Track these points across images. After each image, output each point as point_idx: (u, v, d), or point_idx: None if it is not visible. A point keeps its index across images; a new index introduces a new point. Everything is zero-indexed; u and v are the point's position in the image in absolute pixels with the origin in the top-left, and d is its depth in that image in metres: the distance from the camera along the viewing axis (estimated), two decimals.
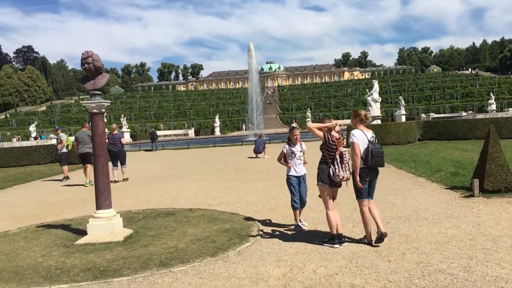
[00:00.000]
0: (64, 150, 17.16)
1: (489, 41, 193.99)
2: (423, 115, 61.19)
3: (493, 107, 55.08)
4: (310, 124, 6.60)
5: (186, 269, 5.58)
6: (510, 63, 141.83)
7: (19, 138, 51.00)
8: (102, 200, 7.29)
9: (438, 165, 14.23)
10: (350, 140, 6.53)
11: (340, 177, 6.26)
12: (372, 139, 6.48)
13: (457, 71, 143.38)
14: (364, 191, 6.48)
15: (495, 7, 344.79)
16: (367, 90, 31.11)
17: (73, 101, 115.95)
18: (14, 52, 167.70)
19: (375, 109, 29.22)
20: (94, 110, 7.32)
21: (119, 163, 15.75)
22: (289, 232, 7.28)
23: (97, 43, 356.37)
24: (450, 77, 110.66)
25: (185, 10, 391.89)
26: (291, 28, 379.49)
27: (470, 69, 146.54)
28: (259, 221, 8.08)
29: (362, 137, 6.48)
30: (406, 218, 7.83)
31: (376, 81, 29.50)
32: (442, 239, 6.44)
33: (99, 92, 7.40)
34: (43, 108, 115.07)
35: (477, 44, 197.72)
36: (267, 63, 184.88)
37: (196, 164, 20.21)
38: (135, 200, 11.24)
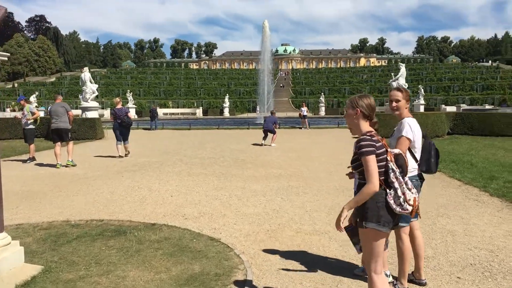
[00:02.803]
0: (31, 126, 14.63)
1: None
2: (443, 105, 57.76)
3: None
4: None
5: None
6: None
7: (15, 109, 48.31)
8: None
9: (486, 169, 11.27)
10: (403, 134, 4.20)
11: (411, 203, 3.16)
12: (424, 133, 4.47)
13: (477, 62, 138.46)
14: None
15: None
16: (393, 74, 27.83)
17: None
18: (26, 21, 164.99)
19: None
20: None
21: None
22: (296, 285, 4.36)
23: (112, 17, 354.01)
24: (470, 68, 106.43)
25: None
26: (309, 11, 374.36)
27: (490, 61, 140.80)
28: (249, 256, 5.16)
29: (417, 131, 4.30)
30: (484, 268, 4.85)
31: (403, 65, 26.08)
32: None
33: None
34: (53, 79, 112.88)
35: (499, 36, 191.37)
36: (282, 45, 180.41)
37: (190, 150, 17.22)
38: (90, 200, 8.29)
